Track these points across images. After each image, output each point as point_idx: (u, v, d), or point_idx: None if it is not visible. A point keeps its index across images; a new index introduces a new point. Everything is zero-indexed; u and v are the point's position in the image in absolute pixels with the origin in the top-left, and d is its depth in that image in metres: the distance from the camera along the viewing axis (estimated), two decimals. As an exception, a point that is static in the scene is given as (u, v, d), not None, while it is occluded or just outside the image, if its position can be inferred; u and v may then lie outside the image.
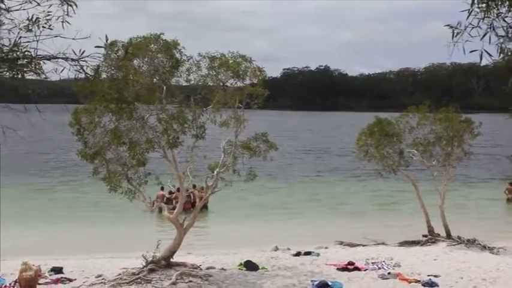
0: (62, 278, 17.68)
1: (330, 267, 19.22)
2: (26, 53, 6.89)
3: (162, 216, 20.34)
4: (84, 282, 17.15)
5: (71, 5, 7.07)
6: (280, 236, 25.22)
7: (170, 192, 28.91)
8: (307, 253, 21.45)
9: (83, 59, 7.17)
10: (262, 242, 23.55)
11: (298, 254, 21.38)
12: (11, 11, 7.04)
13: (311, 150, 72.55)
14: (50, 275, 18.00)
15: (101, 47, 7.15)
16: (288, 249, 22.41)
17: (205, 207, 27.28)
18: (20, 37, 6.90)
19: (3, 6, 6.92)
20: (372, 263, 19.71)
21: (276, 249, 22.46)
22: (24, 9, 7.05)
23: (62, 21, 7.02)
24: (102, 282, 16.98)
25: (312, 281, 17.23)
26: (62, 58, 7.13)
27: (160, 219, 25.80)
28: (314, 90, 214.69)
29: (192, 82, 17.95)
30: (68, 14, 7.03)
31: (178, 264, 17.87)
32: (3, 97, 8.17)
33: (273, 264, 19.54)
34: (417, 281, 17.46)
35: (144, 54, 16.38)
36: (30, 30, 6.92)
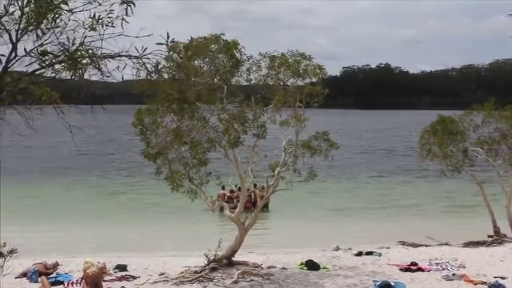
0: (126, 275, 17.99)
1: (392, 267, 18.94)
2: (90, 51, 7.04)
3: (224, 215, 20.46)
4: (147, 280, 17.41)
5: (129, 5, 7.17)
6: (342, 235, 25.01)
7: (231, 191, 29.04)
8: (369, 253, 21.21)
9: (145, 56, 7.27)
10: (323, 242, 23.40)
11: (359, 253, 21.17)
12: (74, 12, 7.20)
13: (373, 149, 71.59)
14: (115, 272, 18.36)
15: (162, 43, 7.23)
16: (350, 249, 22.22)
17: (265, 206, 27.26)
18: (85, 36, 7.05)
19: (66, 7, 7.07)
20: (436, 263, 19.29)
21: (337, 248, 22.30)
22: (86, 10, 7.19)
23: (122, 20, 7.12)
24: (165, 280, 17.21)
25: (374, 281, 17.01)
26: (125, 56, 7.25)
27: (221, 218, 25.95)
28: (375, 88, 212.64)
29: (252, 82, 18.01)
30: (127, 14, 7.14)
31: (239, 263, 17.95)
32: (69, 98, 8.37)
33: (334, 264, 19.40)
34: (483, 283, 16.95)
35: (205, 55, 16.51)
36: (94, 29, 7.05)
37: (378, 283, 16.67)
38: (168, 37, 7.23)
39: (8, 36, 7.07)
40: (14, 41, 7.08)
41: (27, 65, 7.28)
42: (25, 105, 7.89)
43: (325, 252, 21.43)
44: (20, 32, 7.07)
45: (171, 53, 7.93)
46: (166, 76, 9.09)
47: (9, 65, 7.21)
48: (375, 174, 48.45)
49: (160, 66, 7.56)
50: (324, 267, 18.85)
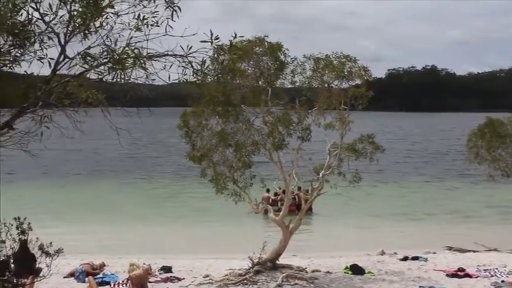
0: (171, 276, 18.15)
1: (439, 273, 18.62)
2: (136, 51, 7.10)
3: (268, 218, 20.45)
4: (192, 282, 17.51)
5: (175, 10, 7.20)
6: (387, 239, 24.72)
7: (275, 194, 29.03)
8: (415, 258, 20.88)
9: (191, 55, 7.30)
10: (368, 246, 23.17)
11: (405, 258, 20.87)
12: (120, 15, 7.28)
13: (421, 152, 70.39)
14: (160, 273, 18.52)
15: (206, 41, 7.24)
16: (395, 253, 21.91)
17: (310, 209, 27.13)
18: (131, 37, 7.12)
19: (112, 10, 7.15)
20: (484, 270, 18.88)
21: (383, 253, 22.02)
22: (132, 13, 7.26)
23: (166, 26, 7.16)
24: (209, 282, 17.27)
25: (420, 286, 16.78)
26: (171, 55, 7.29)
27: (265, 221, 25.94)
28: (420, 90, 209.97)
29: (296, 84, 17.96)
30: (172, 19, 7.18)
31: (284, 267, 17.89)
32: (115, 100, 8.45)
33: (380, 269, 19.18)
34: (534, 290, 16.57)
35: (250, 57, 16.53)
36: (140, 30, 7.11)
37: (424, 288, 16.43)
38: (211, 34, 7.23)
39: (56, 39, 7.19)
40: (63, 43, 7.20)
41: (70, 67, 7.37)
42: (73, 107, 8.00)
43: (370, 257, 21.21)
44: (68, 35, 7.18)
45: (215, 55, 7.90)
46: (211, 78, 9.13)
47: (58, 68, 7.33)
48: (422, 178, 47.61)
49: (206, 65, 7.58)
50: (369, 272, 18.65)
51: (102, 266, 19.18)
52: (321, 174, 18.17)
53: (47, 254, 9.65)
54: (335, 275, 18.31)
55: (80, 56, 7.13)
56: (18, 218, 8.64)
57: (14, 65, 7.21)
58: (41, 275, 10.20)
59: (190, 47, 7.22)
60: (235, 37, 8.00)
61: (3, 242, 8.67)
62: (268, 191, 27.92)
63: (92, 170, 50.36)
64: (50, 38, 7.10)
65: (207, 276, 17.97)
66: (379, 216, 31.23)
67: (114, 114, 8.29)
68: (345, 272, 18.61)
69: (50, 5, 7.10)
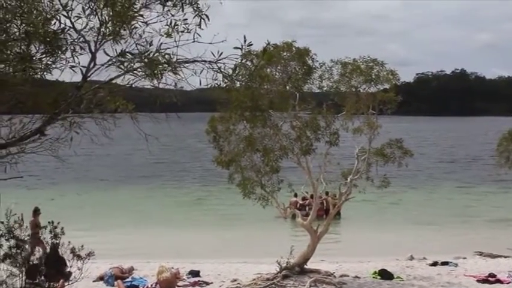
0: (199, 281, 18.23)
1: (469, 278, 18.42)
2: (167, 56, 7.18)
3: (295, 222, 20.42)
4: (220, 286, 17.58)
5: (203, 18, 7.27)
6: (416, 244, 24.54)
7: (303, 199, 28.99)
8: (444, 263, 20.68)
9: (221, 61, 7.36)
10: (397, 251, 23.00)
11: (434, 263, 20.68)
12: (150, 23, 7.37)
13: (452, 157, 69.53)
14: (188, 277, 18.62)
15: (238, 48, 7.29)
16: (424, 258, 21.72)
17: (338, 214, 27.03)
18: (161, 43, 7.20)
19: (142, 19, 7.25)
20: (516, 275, 18.64)
21: (412, 258, 21.84)
22: (160, 21, 7.34)
23: (195, 33, 7.22)
24: (237, 287, 17.32)
25: (450, 292, 16.62)
26: (200, 61, 7.36)
27: (293, 226, 25.93)
28: (449, 94, 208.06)
29: (324, 88, 17.95)
30: (200, 27, 7.24)
31: (312, 271, 17.87)
32: (144, 106, 8.55)
33: (409, 274, 19.05)
34: None
35: (277, 62, 16.57)
36: (170, 36, 7.19)
37: (454, 294, 16.27)
38: (244, 40, 7.27)
39: (87, 46, 7.31)
40: (93, 50, 7.32)
41: (107, 67, 7.45)
42: (102, 114, 8.11)
43: (399, 262, 21.07)
44: (98, 42, 7.30)
45: (244, 60, 7.94)
46: (239, 84, 9.19)
47: (88, 75, 7.45)
48: (454, 184, 47.03)
49: (237, 71, 7.62)
50: (398, 277, 18.54)
51: (131, 269, 19.34)
52: (349, 179, 18.12)
53: (79, 257, 9.81)
54: (363, 279, 18.24)
55: (117, 56, 7.22)
56: (52, 222, 8.80)
57: (45, 73, 7.35)
58: (71, 278, 10.35)
59: (221, 53, 7.28)
60: (268, 44, 8.03)
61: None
62: (296, 195, 27.89)
63: (121, 175, 50.82)
64: (82, 48, 7.23)
65: (235, 280, 18.03)
66: (408, 221, 31.02)
67: (142, 120, 8.38)
68: (373, 277, 18.53)
69: (82, 9, 7.22)
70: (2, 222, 8.64)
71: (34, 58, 7.06)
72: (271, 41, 8.24)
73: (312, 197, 22.77)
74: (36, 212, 19.23)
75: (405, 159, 18.28)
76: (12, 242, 8.84)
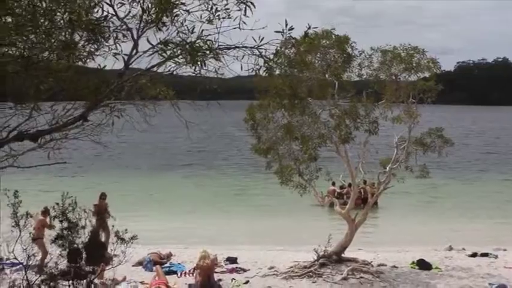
0: (236, 267, 18.36)
1: (510, 270, 18.18)
2: (208, 42, 7.19)
3: (333, 211, 20.38)
4: (257, 273, 17.66)
5: (248, 6, 7.23)
6: (455, 235, 24.17)
7: (341, 187, 28.91)
8: (484, 254, 20.42)
9: (262, 47, 7.34)
10: (435, 241, 22.77)
11: (474, 254, 20.44)
12: (191, 12, 7.39)
13: (499, 147, 67.93)
14: (226, 264, 18.76)
15: (279, 31, 7.26)
16: (463, 249, 21.47)
17: (375, 203, 26.88)
18: (203, 30, 7.22)
19: (183, 8, 7.27)
20: (558, 268, 18.29)
21: (450, 249, 21.60)
22: (202, 10, 7.35)
23: (240, 19, 7.21)
24: (274, 274, 17.39)
25: (489, 284, 16.39)
26: (242, 47, 7.36)
27: (330, 214, 25.85)
28: (491, 83, 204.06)
29: (363, 77, 17.81)
30: (245, 14, 7.22)
31: (349, 260, 17.84)
32: (185, 94, 8.62)
33: (447, 265, 18.88)
34: None
35: (317, 50, 16.48)
36: (212, 22, 7.20)
37: (494, 286, 16.04)
38: (286, 25, 7.23)
39: (130, 34, 7.38)
40: (135, 38, 7.39)
41: (151, 54, 7.50)
42: (143, 102, 8.20)
43: (437, 252, 20.87)
44: (140, 30, 7.37)
45: (283, 48, 7.92)
46: (279, 71, 9.19)
47: (130, 62, 7.53)
48: (496, 175, 45.87)
49: (278, 56, 7.60)
50: (436, 268, 18.38)
51: (169, 255, 19.57)
52: (387, 168, 18.00)
53: (122, 240, 9.97)
54: (401, 269, 18.14)
55: (159, 44, 7.27)
56: (96, 206, 8.93)
57: (88, 60, 7.45)
58: (112, 262, 10.51)
59: (262, 39, 7.25)
60: (309, 27, 7.98)
61: (84, 227, 8.98)
62: (333, 184, 27.81)
63: (160, 162, 51.22)
64: (124, 35, 7.30)
65: (272, 268, 18.10)
66: (447, 211, 30.64)
67: (182, 108, 8.44)
68: (411, 267, 18.42)
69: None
70: (58, 204, 8.82)
71: (78, 46, 7.16)
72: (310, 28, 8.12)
73: (349, 185, 22.70)
74: (102, 196, 19.77)
75: (446, 149, 18.08)
76: (65, 223, 9.02)
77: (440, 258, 19.77)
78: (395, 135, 18.46)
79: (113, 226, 9.33)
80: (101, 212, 19.33)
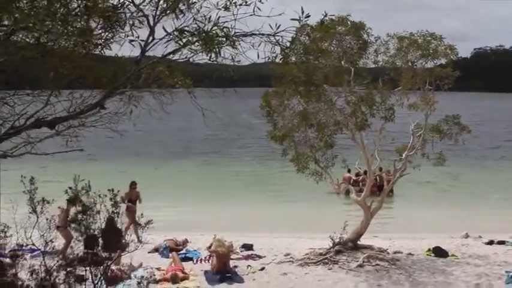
0: (252, 254, 18.42)
1: (527, 258, 18.06)
2: (225, 29, 7.16)
3: (349, 198, 20.35)
4: (273, 260, 17.70)
5: (264, -9, 7.19)
6: (471, 223, 24.05)
7: (357, 175, 28.85)
8: (501, 242, 20.32)
9: (278, 34, 7.30)
10: (451, 229, 22.69)
11: (490, 242, 20.34)
12: (208, -1, 7.36)
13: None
14: (241, 251, 18.82)
15: (296, 19, 7.21)
16: (480, 237, 21.37)
17: (390, 191, 26.84)
18: (219, 17, 7.19)
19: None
20: None
21: (467, 236, 21.52)
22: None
23: (255, 5, 7.17)
24: (290, 261, 17.42)
25: (506, 272, 16.29)
26: (258, 34, 7.33)
27: (346, 201, 25.83)
28: (509, 70, 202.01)
29: (380, 63, 17.69)
30: (261, 1, 7.18)
31: (365, 247, 17.83)
32: (201, 81, 8.61)
33: (463, 252, 18.81)
34: None
35: (332, 37, 16.39)
36: (228, 9, 7.17)
37: (510, 274, 15.95)
38: (302, 12, 7.18)
39: (146, 21, 7.37)
40: (152, 25, 7.38)
41: (167, 42, 7.49)
42: (160, 89, 8.21)
43: (453, 240, 20.81)
44: (157, 16, 7.36)
45: (299, 35, 7.87)
46: (295, 58, 9.14)
47: (147, 49, 7.53)
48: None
49: (294, 44, 7.57)
50: (453, 255, 18.33)
51: (185, 242, 19.67)
52: (404, 155, 17.92)
53: (138, 224, 10.03)
54: (417, 257, 18.10)
55: (174, 32, 7.25)
56: (112, 190, 8.96)
57: (105, 47, 7.45)
58: (128, 249, 10.56)
59: (279, 26, 7.21)
60: (325, 15, 7.93)
61: (98, 212, 9.02)
62: (349, 171, 27.75)
63: (176, 149, 51.38)
64: (140, 22, 7.28)
65: (288, 254, 18.14)
66: (464, 199, 30.50)
67: (198, 96, 8.43)
68: (427, 254, 18.38)
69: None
70: (71, 188, 8.86)
71: (94, 33, 7.16)
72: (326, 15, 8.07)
73: (365, 172, 22.65)
74: (132, 185, 19.99)
75: (462, 136, 17.96)
76: (79, 207, 9.06)
77: (456, 245, 19.70)
78: (412, 123, 18.35)
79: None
80: (131, 200, 19.99)
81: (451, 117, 17.99)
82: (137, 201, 20.12)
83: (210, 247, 17.45)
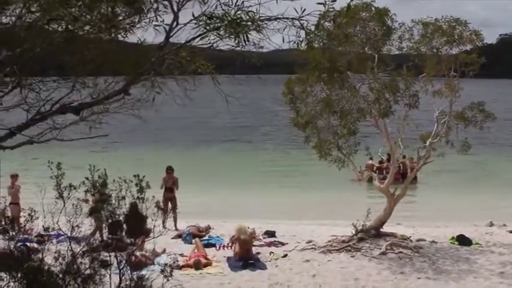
0: (274, 241, 18.46)
1: (552, 246, 17.86)
2: (250, 13, 7.11)
3: (372, 185, 20.27)
4: (295, 247, 17.71)
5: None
6: (496, 211, 23.83)
7: (380, 162, 28.71)
8: (526, 230, 20.10)
9: (303, 19, 7.23)
10: (476, 217, 22.50)
11: (515, 230, 20.15)
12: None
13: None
14: (264, 237, 18.87)
15: (321, 3, 7.13)
16: (504, 225, 21.16)
17: (414, 178, 26.66)
18: (243, 1, 7.14)
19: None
20: None
21: (491, 224, 21.31)
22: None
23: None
24: (312, 248, 17.42)
25: (531, 260, 16.15)
26: (283, 18, 7.26)
27: (369, 189, 25.74)
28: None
29: (404, 50, 17.53)
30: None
31: (387, 235, 17.77)
32: (224, 68, 8.59)
33: (488, 240, 18.64)
34: None
35: (356, 23, 16.26)
36: None
37: (535, 262, 15.81)
38: (326, -5, 7.08)
39: (169, 6, 7.35)
40: (176, 10, 7.36)
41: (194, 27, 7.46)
42: (183, 75, 8.20)
43: (477, 228, 20.62)
44: (181, 2, 7.34)
45: (323, 21, 7.79)
46: (318, 44, 9.06)
47: (171, 35, 7.52)
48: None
49: (318, 29, 7.50)
50: (477, 243, 18.17)
51: (208, 228, 19.76)
52: (428, 143, 17.79)
53: (163, 210, 10.11)
54: (440, 245, 17.99)
55: (200, 16, 7.21)
56: (138, 176, 9.00)
57: (129, 33, 7.47)
58: (152, 234, 10.63)
59: (304, 10, 7.14)
60: (351, 0, 7.85)
61: (124, 198, 9.07)
62: (371, 158, 27.63)
63: (199, 137, 51.48)
64: (164, 7, 7.27)
65: (310, 241, 18.14)
66: (488, 187, 30.18)
67: (221, 82, 8.42)
68: (451, 242, 18.24)
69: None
70: (87, 179, 8.91)
71: (118, 19, 7.18)
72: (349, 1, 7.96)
73: (388, 160, 22.54)
74: (168, 170, 20.43)
75: (488, 124, 17.77)
76: (97, 196, 9.12)
77: (480, 234, 19.54)
78: (436, 110, 18.19)
79: (153, 196, 9.38)
80: (168, 184, 20.22)
81: (475, 104, 17.80)
82: (174, 188, 20.27)
83: (233, 237, 17.50)
